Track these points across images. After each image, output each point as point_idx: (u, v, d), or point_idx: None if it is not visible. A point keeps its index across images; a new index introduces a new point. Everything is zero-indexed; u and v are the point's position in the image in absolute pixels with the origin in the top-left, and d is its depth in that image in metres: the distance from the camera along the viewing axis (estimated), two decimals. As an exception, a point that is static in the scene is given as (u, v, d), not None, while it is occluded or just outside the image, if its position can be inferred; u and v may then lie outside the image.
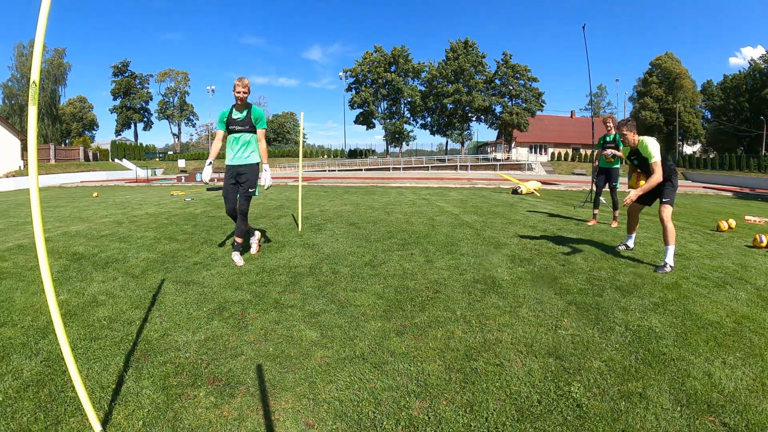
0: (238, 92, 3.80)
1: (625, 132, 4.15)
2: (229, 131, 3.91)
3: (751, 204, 12.72)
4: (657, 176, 3.94)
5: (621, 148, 6.50)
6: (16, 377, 1.91)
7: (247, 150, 3.95)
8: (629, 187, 4.48)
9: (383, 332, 2.41)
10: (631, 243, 4.64)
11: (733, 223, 6.31)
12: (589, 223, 6.48)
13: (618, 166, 6.65)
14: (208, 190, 14.65)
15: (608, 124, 6.60)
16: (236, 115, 3.89)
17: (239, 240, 4.01)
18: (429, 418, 1.65)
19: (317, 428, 1.60)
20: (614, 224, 6.39)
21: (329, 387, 1.86)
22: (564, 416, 1.66)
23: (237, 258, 3.91)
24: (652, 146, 3.98)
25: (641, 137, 4.09)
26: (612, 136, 6.48)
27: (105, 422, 1.61)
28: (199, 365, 2.04)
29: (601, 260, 4.08)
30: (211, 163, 3.91)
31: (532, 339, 2.33)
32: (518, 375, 1.95)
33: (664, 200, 4.05)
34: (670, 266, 3.81)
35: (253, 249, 4.27)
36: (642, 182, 4.28)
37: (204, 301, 2.90)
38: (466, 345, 2.26)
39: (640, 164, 4.23)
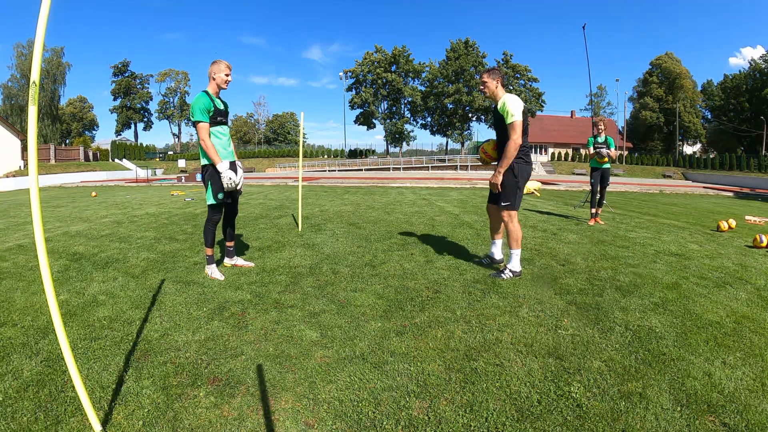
0: (228, 77, 3.34)
1: (485, 79, 3.45)
2: (215, 123, 3.33)
3: (751, 204, 12.72)
4: (512, 142, 3.27)
5: (612, 148, 6.61)
6: (16, 377, 1.91)
7: (232, 144, 3.54)
8: (481, 152, 3.85)
9: (383, 332, 2.41)
10: (496, 252, 3.79)
11: (733, 223, 6.31)
12: (590, 223, 6.50)
13: (609, 166, 6.80)
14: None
15: (599, 126, 6.77)
16: (220, 104, 3.38)
17: (233, 243, 3.78)
18: (429, 418, 1.65)
19: (317, 428, 1.60)
20: (591, 222, 6.56)
21: (329, 387, 1.86)
22: (564, 416, 1.66)
23: (243, 261, 3.82)
24: (513, 103, 3.29)
25: (506, 94, 3.42)
26: (603, 137, 6.63)
27: (105, 422, 1.61)
28: (199, 365, 2.04)
29: (601, 260, 4.08)
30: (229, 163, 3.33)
31: (532, 339, 2.33)
32: (518, 375, 1.95)
33: (503, 203, 3.47)
34: (512, 272, 3.42)
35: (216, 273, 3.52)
36: (489, 151, 3.72)
37: (204, 301, 2.90)
38: (466, 345, 2.26)
39: (495, 125, 3.56)
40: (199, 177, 22.52)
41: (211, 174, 3.31)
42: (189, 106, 53.36)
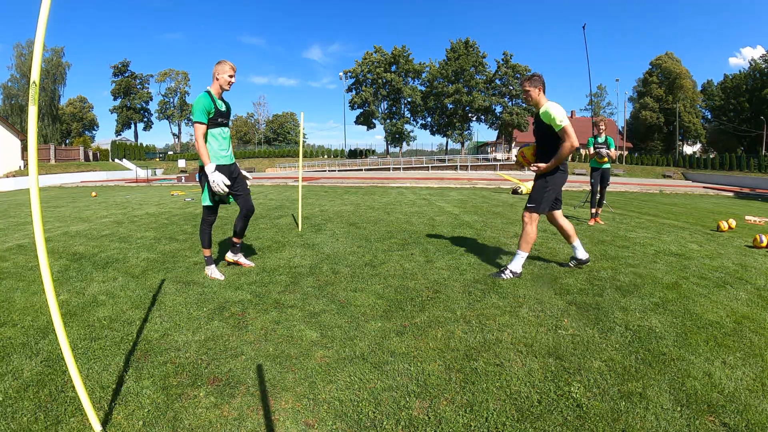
0: (231, 79, 3.27)
1: (527, 88, 3.47)
2: (215, 124, 3.28)
3: (751, 204, 12.72)
4: (570, 143, 3.30)
5: (612, 148, 6.61)
6: (16, 377, 1.91)
7: (231, 146, 3.50)
8: (520, 155, 3.81)
9: (383, 332, 2.41)
10: (579, 253, 3.70)
11: (733, 223, 6.31)
12: (590, 223, 6.50)
13: (609, 166, 6.79)
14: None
15: (600, 126, 6.75)
16: (221, 105, 3.33)
17: (240, 240, 3.71)
18: (429, 418, 1.65)
19: (317, 428, 1.60)
20: (591, 222, 6.56)
21: (329, 387, 1.86)
22: (564, 416, 1.66)
23: (245, 260, 3.79)
24: (557, 110, 3.32)
25: (548, 102, 3.43)
26: (603, 137, 6.62)
27: (105, 422, 1.61)
28: (199, 365, 2.04)
29: (601, 260, 4.08)
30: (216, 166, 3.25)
31: (532, 339, 2.33)
32: (518, 375, 1.95)
33: (528, 204, 3.52)
34: (512, 273, 3.42)
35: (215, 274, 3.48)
36: (529, 155, 3.70)
37: (204, 301, 2.90)
38: (466, 345, 2.26)
39: (538, 133, 3.55)
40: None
41: (206, 175, 3.29)
42: (189, 106, 52.81)
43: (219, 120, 3.30)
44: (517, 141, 48.17)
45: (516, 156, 3.83)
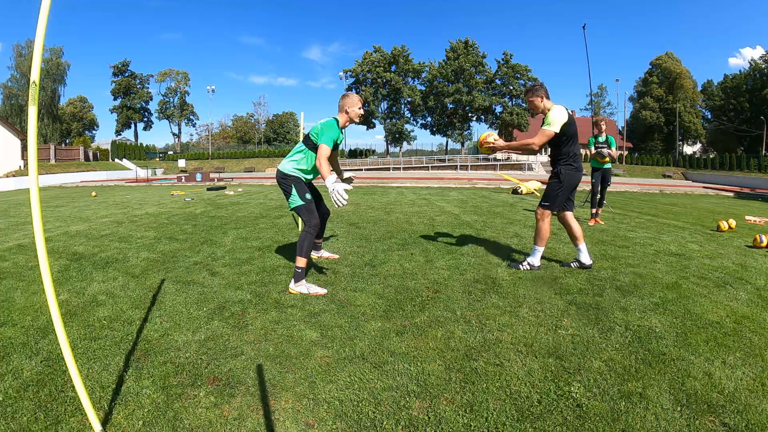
0: (361, 111, 3.37)
1: (530, 99, 3.58)
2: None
3: (751, 204, 12.72)
4: (532, 140, 3.47)
5: (613, 148, 6.61)
6: (16, 377, 1.91)
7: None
8: (485, 149, 3.92)
9: (383, 332, 2.41)
10: (583, 257, 3.71)
11: (733, 223, 6.31)
12: (590, 223, 6.50)
13: (610, 166, 6.78)
14: (208, 189, 14.64)
15: (601, 126, 6.73)
16: (341, 138, 3.44)
17: (320, 240, 3.98)
18: (429, 418, 1.65)
19: (317, 428, 1.60)
20: (591, 222, 6.55)
21: (329, 387, 1.86)
22: (564, 416, 1.66)
23: (328, 253, 4.06)
24: (556, 115, 3.42)
25: (555, 105, 3.52)
26: (604, 137, 6.60)
27: (105, 422, 1.61)
28: (199, 365, 2.04)
29: (601, 260, 4.08)
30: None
31: (532, 339, 2.33)
32: (518, 375, 1.95)
33: (542, 202, 3.66)
34: (530, 265, 3.59)
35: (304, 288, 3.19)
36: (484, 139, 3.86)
37: (204, 301, 2.90)
38: (466, 345, 2.26)
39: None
40: (199, 177, 22.51)
41: (294, 181, 3.31)
42: (189, 105, 52.32)
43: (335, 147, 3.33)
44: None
45: (483, 150, 3.98)
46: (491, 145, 3.80)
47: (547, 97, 3.57)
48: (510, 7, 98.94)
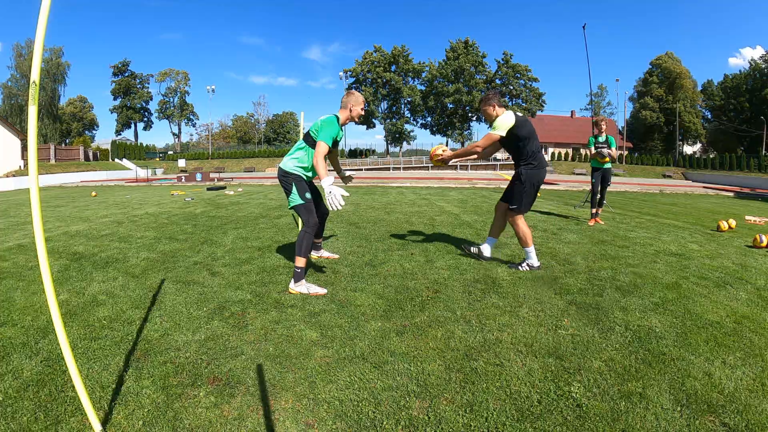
0: (362, 111, 3.41)
1: (483, 108, 3.71)
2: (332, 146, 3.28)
3: (751, 204, 12.72)
4: (476, 143, 3.68)
5: (613, 148, 6.60)
6: (16, 377, 1.91)
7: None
8: (435, 161, 4.08)
9: (383, 332, 2.41)
10: (485, 249, 3.92)
11: (733, 223, 6.31)
12: (590, 223, 6.50)
13: (611, 166, 6.78)
14: (208, 189, 14.65)
15: (601, 125, 6.73)
16: (341, 134, 3.47)
17: (320, 240, 3.99)
18: (429, 418, 1.65)
19: (317, 428, 1.60)
20: (591, 222, 6.54)
21: (329, 387, 1.86)
22: (564, 416, 1.66)
23: (328, 253, 4.06)
24: (501, 119, 3.52)
25: (506, 111, 3.60)
26: (604, 137, 6.59)
27: (105, 422, 1.61)
28: (199, 365, 2.04)
29: (601, 260, 4.08)
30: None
31: (532, 339, 2.33)
32: (518, 375, 1.95)
33: (510, 206, 3.70)
34: (529, 266, 3.64)
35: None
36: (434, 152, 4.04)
37: (204, 301, 2.90)
38: (466, 345, 2.26)
39: (501, 140, 3.65)
40: (199, 177, 22.50)
41: (295, 179, 3.30)
42: (189, 105, 52.21)
43: (331, 145, 3.30)
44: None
45: (434, 162, 4.13)
46: (440, 157, 4.01)
47: (500, 105, 3.67)
48: (510, 7, 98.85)
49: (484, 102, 3.72)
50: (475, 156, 3.86)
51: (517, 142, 3.59)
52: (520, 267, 3.68)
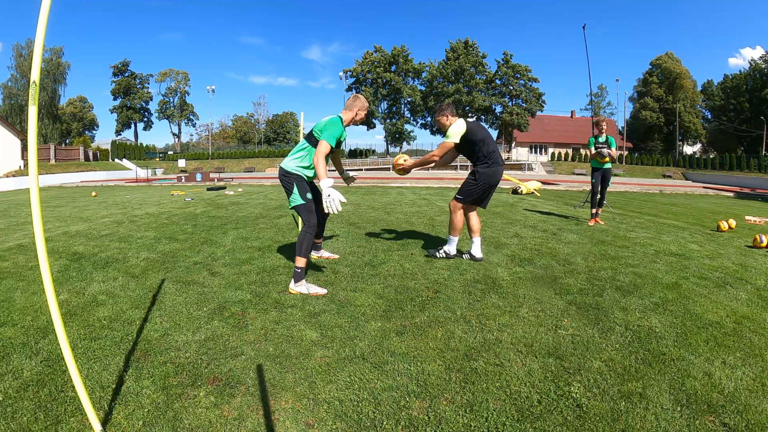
0: (365, 116, 3.49)
1: (438, 118, 3.94)
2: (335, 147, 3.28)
3: (751, 204, 12.73)
4: (433, 152, 3.96)
5: (613, 148, 6.60)
6: (16, 377, 1.91)
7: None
8: (398, 171, 4.36)
9: (383, 332, 2.41)
10: (474, 250, 3.99)
11: (733, 223, 6.31)
12: (590, 223, 6.49)
13: (611, 166, 6.77)
14: (208, 189, 14.65)
15: (601, 125, 6.72)
16: (344, 136, 3.45)
17: (320, 240, 4.00)
18: (429, 418, 1.65)
19: (317, 428, 1.60)
20: (591, 222, 6.53)
21: (329, 387, 1.86)
22: (564, 416, 1.66)
23: (328, 254, 4.05)
24: (454, 127, 3.76)
25: (458, 120, 3.82)
26: (604, 137, 6.59)
27: (105, 422, 1.61)
28: (199, 365, 2.04)
29: (601, 260, 4.08)
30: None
31: (532, 339, 2.33)
32: (518, 375, 1.95)
33: (456, 196, 3.94)
34: (445, 253, 3.94)
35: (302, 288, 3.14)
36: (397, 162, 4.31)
37: (204, 301, 2.90)
38: (466, 345, 2.26)
39: (457, 146, 3.85)
40: (198, 177, 22.50)
41: (297, 179, 3.30)
42: (189, 105, 52.22)
43: (333, 147, 3.27)
44: (518, 141, 48.19)
45: (397, 171, 4.35)
46: (402, 166, 4.26)
47: (453, 115, 3.90)
48: (510, 7, 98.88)
49: (438, 113, 3.94)
50: (433, 164, 4.15)
51: (473, 147, 3.82)
52: (437, 253, 3.97)
